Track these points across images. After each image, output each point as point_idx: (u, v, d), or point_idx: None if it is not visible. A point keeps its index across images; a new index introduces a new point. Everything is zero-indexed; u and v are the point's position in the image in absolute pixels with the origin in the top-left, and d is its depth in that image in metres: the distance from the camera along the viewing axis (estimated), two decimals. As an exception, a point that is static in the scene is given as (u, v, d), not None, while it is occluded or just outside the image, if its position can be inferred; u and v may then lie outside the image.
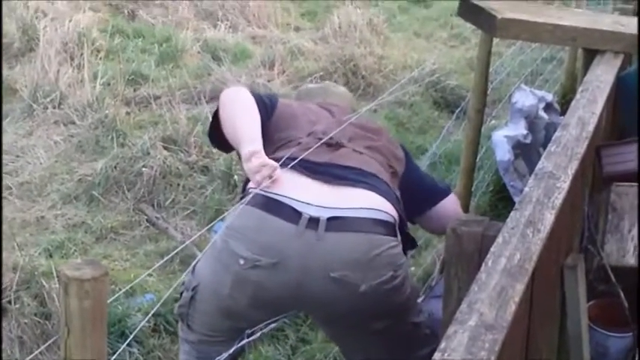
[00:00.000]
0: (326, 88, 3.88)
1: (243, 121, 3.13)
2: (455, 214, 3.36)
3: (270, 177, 2.88)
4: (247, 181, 3.07)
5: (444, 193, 3.52)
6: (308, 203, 2.87)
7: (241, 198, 3.05)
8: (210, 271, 2.97)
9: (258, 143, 3.01)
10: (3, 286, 4.18)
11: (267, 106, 3.28)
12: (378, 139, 3.31)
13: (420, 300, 3.52)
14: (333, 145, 3.12)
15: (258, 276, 2.85)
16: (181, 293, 3.14)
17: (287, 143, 3.16)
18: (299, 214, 2.84)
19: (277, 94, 3.63)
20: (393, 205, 3.01)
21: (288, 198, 2.87)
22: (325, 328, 3.29)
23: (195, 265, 3.05)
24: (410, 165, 3.43)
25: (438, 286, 3.73)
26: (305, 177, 2.96)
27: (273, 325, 3.04)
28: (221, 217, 3.05)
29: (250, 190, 2.96)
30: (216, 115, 3.30)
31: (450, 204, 3.49)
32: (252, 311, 2.96)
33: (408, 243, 3.12)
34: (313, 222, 2.83)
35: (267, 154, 3.00)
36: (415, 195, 3.32)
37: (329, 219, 2.85)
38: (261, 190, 2.90)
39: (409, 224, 3.24)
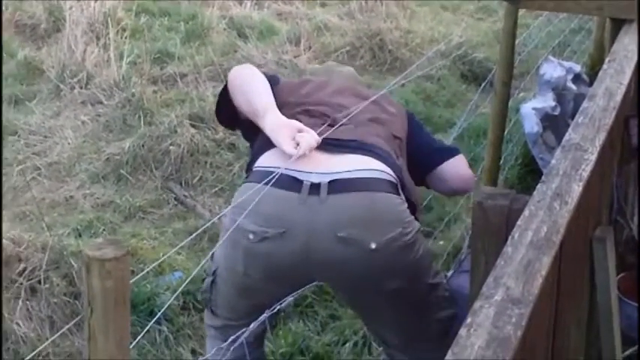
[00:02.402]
0: (329, 68, 3.91)
1: (259, 90, 3.16)
2: (461, 173, 3.43)
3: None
4: (252, 161, 3.09)
5: (451, 153, 3.50)
6: (308, 172, 2.87)
7: (246, 178, 3.08)
8: (224, 252, 3.02)
9: (276, 110, 3.05)
10: (32, 267, 4.21)
11: (271, 80, 3.30)
12: (378, 110, 3.30)
13: (449, 274, 3.51)
14: (331, 124, 3.10)
15: (267, 248, 2.87)
16: (203, 280, 3.19)
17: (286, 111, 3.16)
18: (300, 182, 2.85)
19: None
20: (392, 168, 3.00)
21: (288, 169, 2.87)
22: (342, 294, 3.31)
23: (213, 251, 3.09)
24: (413, 127, 3.43)
25: (467, 260, 3.72)
26: None
27: (290, 300, 3.03)
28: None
29: (254, 169, 3.00)
30: (223, 93, 3.34)
31: (457, 162, 3.46)
32: (268, 285, 2.99)
33: (411, 209, 3.07)
34: (315, 188, 2.85)
35: None
36: (421, 155, 3.34)
37: (330, 182, 2.86)
38: (260, 166, 2.95)
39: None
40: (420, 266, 3.06)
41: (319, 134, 2.97)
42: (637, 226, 3.66)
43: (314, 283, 3.16)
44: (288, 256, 2.89)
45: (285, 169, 2.86)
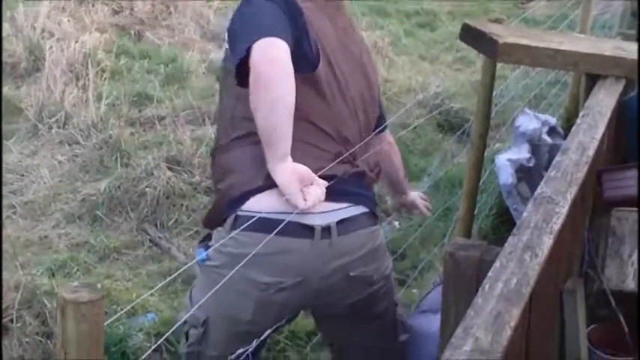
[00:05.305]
0: None
1: (285, 130, 2.69)
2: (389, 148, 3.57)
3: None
4: (236, 201, 2.89)
5: (384, 128, 3.50)
6: (311, 213, 2.80)
7: (234, 220, 2.88)
8: (222, 302, 2.89)
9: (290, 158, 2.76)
10: (4, 306, 4.19)
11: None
12: (369, 99, 3.20)
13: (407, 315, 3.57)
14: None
15: (284, 297, 2.88)
16: (186, 332, 3.05)
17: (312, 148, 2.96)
18: (310, 227, 2.82)
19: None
20: (371, 201, 3.10)
21: (286, 213, 2.76)
22: (330, 322, 3.27)
23: (192, 302, 3.03)
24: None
25: (425, 300, 3.74)
26: None
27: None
28: (203, 243, 3.05)
29: (240, 214, 2.85)
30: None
31: (388, 138, 3.57)
32: (270, 325, 3.00)
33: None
34: (325, 231, 2.85)
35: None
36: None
37: (337, 223, 2.88)
38: (254, 211, 2.80)
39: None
40: (392, 287, 3.22)
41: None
42: (637, 274, 3.68)
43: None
44: (303, 299, 2.96)
45: (287, 213, 2.75)
